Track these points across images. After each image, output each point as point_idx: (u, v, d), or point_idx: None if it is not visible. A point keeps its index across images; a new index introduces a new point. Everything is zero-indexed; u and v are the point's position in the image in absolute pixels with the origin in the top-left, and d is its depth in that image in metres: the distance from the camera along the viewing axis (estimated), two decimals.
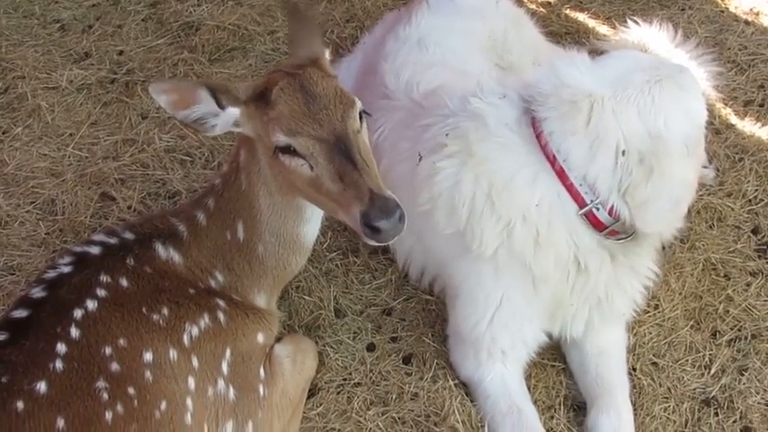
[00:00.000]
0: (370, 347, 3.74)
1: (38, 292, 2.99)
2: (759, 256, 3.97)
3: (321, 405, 3.53)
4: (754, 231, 4.06)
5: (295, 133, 2.84)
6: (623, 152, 3.06)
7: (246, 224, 3.21)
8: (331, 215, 3.11)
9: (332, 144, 2.83)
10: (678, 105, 3.11)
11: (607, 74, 3.18)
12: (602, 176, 3.10)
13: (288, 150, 2.86)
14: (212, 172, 4.42)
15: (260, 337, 3.25)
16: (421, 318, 3.83)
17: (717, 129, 4.53)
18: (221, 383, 3.09)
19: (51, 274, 3.06)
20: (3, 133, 4.86)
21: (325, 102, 2.89)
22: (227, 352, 3.13)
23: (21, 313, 2.93)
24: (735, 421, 3.41)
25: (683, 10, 5.38)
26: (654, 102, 3.09)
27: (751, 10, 5.36)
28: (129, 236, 3.19)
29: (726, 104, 4.68)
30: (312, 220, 3.24)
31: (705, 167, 4.19)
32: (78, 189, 4.47)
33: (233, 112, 2.95)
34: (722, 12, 5.37)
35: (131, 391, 2.83)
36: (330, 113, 2.87)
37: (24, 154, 4.71)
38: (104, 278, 3.02)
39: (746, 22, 5.23)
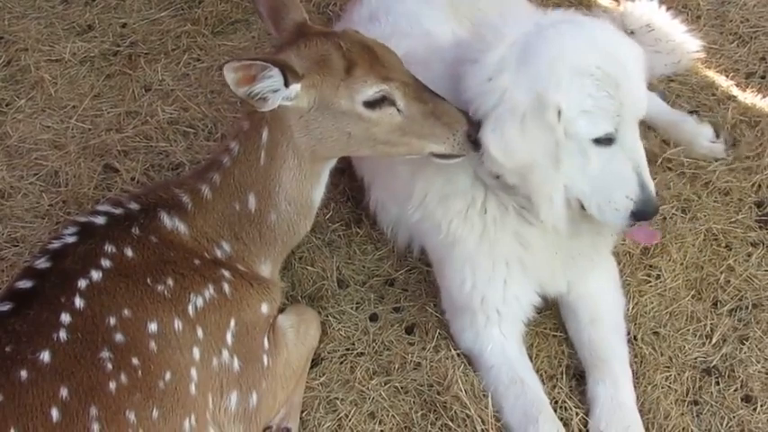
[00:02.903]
0: (373, 318, 3.75)
1: (42, 263, 3.01)
2: (760, 227, 3.97)
3: (324, 375, 3.55)
4: (756, 202, 4.06)
5: (388, 80, 2.99)
6: (489, 79, 3.01)
7: (260, 196, 3.23)
8: (405, 155, 3.21)
9: (413, 85, 3.03)
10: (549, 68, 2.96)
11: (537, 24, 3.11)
12: (477, 101, 3.07)
13: (377, 103, 3.00)
14: (215, 144, 4.43)
15: (264, 308, 3.27)
16: (423, 288, 3.83)
17: (718, 100, 4.53)
18: (226, 354, 3.11)
19: (56, 244, 3.07)
20: (6, 105, 4.86)
21: (381, 51, 3.07)
22: (232, 322, 3.15)
23: (25, 284, 2.94)
24: (736, 390, 3.43)
25: None
26: (538, 53, 2.99)
27: None
28: (133, 206, 3.20)
29: (727, 77, 4.67)
30: (323, 183, 3.34)
31: (714, 142, 4.21)
32: (81, 161, 4.48)
33: (294, 87, 2.98)
34: None
35: (135, 361, 2.85)
36: (392, 61, 3.07)
37: (27, 126, 4.71)
38: (109, 248, 3.03)
39: None
